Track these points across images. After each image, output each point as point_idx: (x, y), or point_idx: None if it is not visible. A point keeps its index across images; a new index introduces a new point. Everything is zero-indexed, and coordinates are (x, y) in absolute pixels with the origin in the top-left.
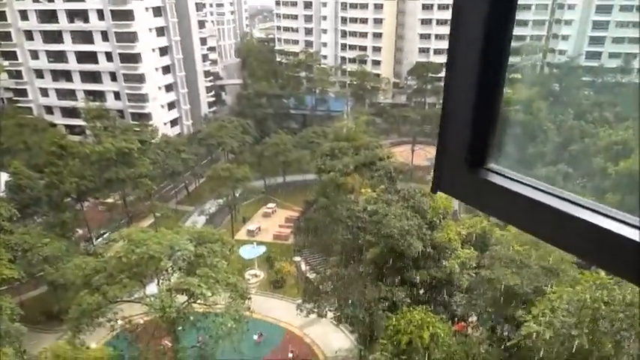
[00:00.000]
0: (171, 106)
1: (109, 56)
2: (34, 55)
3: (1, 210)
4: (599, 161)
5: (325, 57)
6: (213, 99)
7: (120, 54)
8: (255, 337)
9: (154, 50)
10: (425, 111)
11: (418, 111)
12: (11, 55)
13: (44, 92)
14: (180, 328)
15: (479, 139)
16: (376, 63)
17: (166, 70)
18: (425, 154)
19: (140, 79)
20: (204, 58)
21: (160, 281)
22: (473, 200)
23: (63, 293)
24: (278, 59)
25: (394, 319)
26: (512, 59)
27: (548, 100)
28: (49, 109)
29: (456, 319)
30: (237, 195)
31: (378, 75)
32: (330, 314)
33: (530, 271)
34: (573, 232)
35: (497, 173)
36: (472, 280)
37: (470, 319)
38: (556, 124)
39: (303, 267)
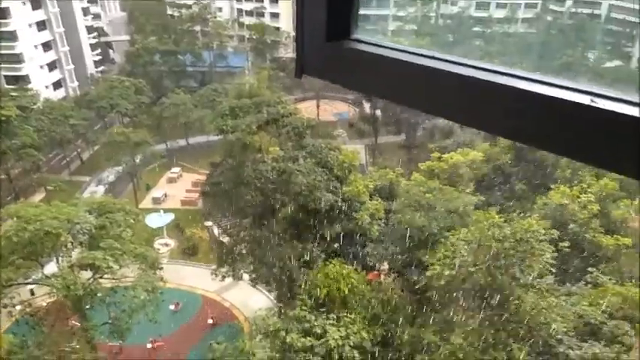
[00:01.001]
0: (52, 66)
1: None
2: None
3: None
4: None
5: (220, 9)
6: (99, 57)
7: None
8: (172, 306)
9: (24, 3)
10: None
11: None
12: None
13: None
14: (87, 305)
15: (338, 8)
16: (275, 16)
17: (41, 25)
18: (331, 110)
19: (12, 36)
20: (85, 11)
21: (60, 258)
22: (342, 77)
23: None
24: (169, 12)
25: (311, 274)
26: (408, 9)
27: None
28: None
29: (369, 268)
30: (138, 161)
31: (277, 28)
32: (246, 276)
33: (436, 213)
34: (447, 88)
35: (363, 42)
36: (382, 229)
37: (382, 268)
38: None
39: (216, 231)
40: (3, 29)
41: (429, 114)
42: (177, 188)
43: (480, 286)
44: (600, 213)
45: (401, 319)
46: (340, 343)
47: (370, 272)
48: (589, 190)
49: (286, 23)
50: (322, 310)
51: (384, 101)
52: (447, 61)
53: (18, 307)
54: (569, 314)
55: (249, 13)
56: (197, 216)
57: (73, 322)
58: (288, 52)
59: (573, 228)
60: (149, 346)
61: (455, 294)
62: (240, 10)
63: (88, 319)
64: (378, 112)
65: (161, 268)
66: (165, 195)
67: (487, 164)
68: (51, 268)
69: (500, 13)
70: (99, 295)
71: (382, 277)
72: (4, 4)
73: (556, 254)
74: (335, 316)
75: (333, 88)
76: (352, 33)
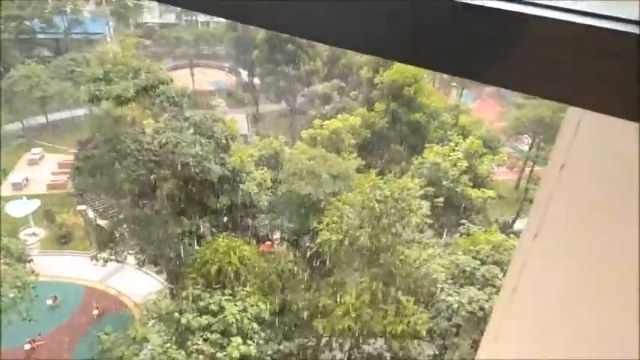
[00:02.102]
0: None
1: None
2: None
3: None
4: None
5: None
6: None
7: None
8: (49, 301)
9: None
10: (198, 30)
11: (191, 30)
12: None
13: None
14: None
15: None
16: None
17: None
18: (206, 78)
19: None
20: None
21: None
22: None
23: None
24: None
25: (200, 251)
26: None
27: None
28: None
29: (261, 239)
30: None
31: None
32: (131, 259)
33: (321, 180)
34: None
35: None
36: (270, 199)
37: (275, 237)
38: None
39: (91, 215)
40: None
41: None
42: (40, 171)
43: (367, 247)
44: (468, 169)
45: (296, 285)
46: (238, 317)
47: (262, 243)
48: (457, 148)
49: None
50: (217, 287)
51: (262, 68)
52: None
53: None
54: (448, 263)
55: None
56: (68, 200)
57: None
58: (154, 17)
59: (446, 184)
60: (27, 346)
61: (344, 257)
62: None
63: None
64: (256, 80)
65: (30, 261)
66: (27, 179)
67: (366, 129)
68: None
69: None
70: None
71: (275, 246)
72: None
73: (431, 210)
74: (230, 291)
75: (206, 55)
76: None
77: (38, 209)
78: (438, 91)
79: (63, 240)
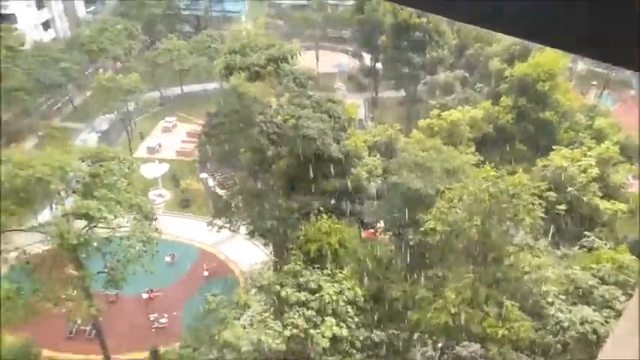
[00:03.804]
0: (39, 4)
1: None
2: None
3: None
4: None
5: None
6: None
7: None
8: (168, 258)
9: None
10: (328, 13)
11: (320, 13)
12: None
13: None
14: (83, 254)
15: None
16: None
17: None
18: (331, 61)
19: None
20: None
21: (54, 206)
22: None
23: None
24: None
25: (304, 229)
26: None
27: None
28: None
29: (365, 226)
30: (131, 109)
31: None
32: (243, 229)
33: (433, 175)
34: None
35: None
36: (379, 186)
37: (378, 225)
38: None
39: (211, 183)
40: None
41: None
42: (172, 138)
43: (474, 242)
44: (599, 177)
45: (394, 275)
46: (334, 298)
47: (366, 230)
48: (589, 153)
49: None
50: (316, 265)
51: (385, 53)
52: None
53: (13, 254)
54: (562, 277)
55: None
56: (192, 167)
57: (69, 270)
58: None
59: (571, 191)
60: (145, 296)
61: (448, 250)
62: None
63: (83, 268)
64: (379, 65)
65: (156, 219)
66: (160, 145)
67: (488, 123)
68: (45, 216)
69: None
70: (94, 244)
71: (377, 234)
72: None
73: (551, 217)
74: (329, 272)
75: (333, 38)
76: None
77: (166, 173)
78: (574, 90)
79: (184, 204)
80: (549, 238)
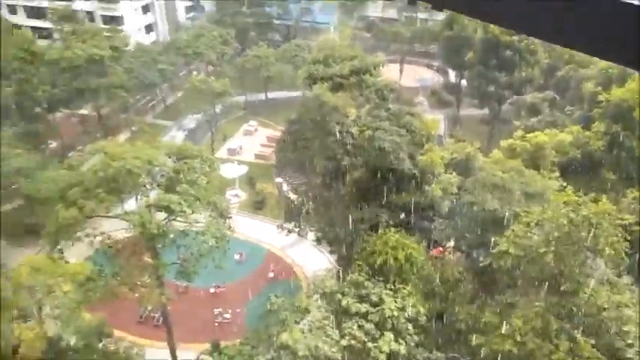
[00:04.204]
0: (145, 9)
1: None
2: None
3: None
4: None
5: None
6: (190, 3)
7: None
8: (237, 256)
9: None
10: (416, 27)
11: (408, 27)
12: None
13: None
14: (160, 245)
15: None
16: None
17: None
18: (414, 75)
19: None
20: None
21: (139, 197)
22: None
23: (39, 207)
24: None
25: (371, 241)
26: None
27: None
28: (13, 9)
29: (434, 243)
30: (218, 111)
31: None
32: (310, 235)
33: (511, 197)
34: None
35: None
36: (453, 205)
37: (448, 244)
38: None
39: (285, 188)
40: None
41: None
42: (252, 141)
43: (549, 269)
44: None
45: (460, 297)
46: (396, 313)
47: (435, 247)
48: None
49: None
50: (380, 278)
51: (472, 70)
52: None
53: (98, 238)
54: None
55: None
56: (269, 171)
57: (146, 258)
58: (376, 11)
59: None
60: (212, 290)
61: (520, 276)
62: None
63: (159, 258)
64: (464, 82)
65: (230, 218)
66: (241, 147)
67: (576, 148)
68: (130, 205)
69: None
70: (171, 236)
71: (447, 253)
72: None
73: (631, 248)
74: (392, 286)
75: (418, 53)
76: None
77: (244, 174)
78: None
79: (258, 205)
80: (633, 275)
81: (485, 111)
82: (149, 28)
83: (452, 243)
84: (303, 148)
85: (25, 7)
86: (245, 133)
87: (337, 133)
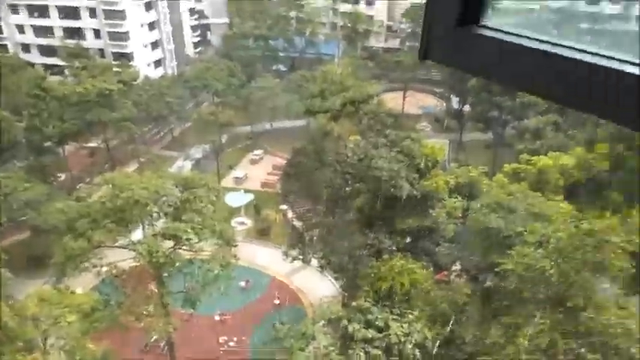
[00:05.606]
0: (154, 46)
1: None
2: None
3: None
4: None
5: None
6: (198, 39)
7: None
8: (242, 283)
9: None
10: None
11: (411, 56)
12: None
13: (20, 29)
14: (166, 273)
15: None
16: (370, 3)
17: (148, 6)
18: (416, 102)
19: (121, 15)
20: None
21: (146, 227)
22: (466, 62)
23: (47, 238)
24: None
25: (376, 266)
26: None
27: None
28: (26, 47)
29: (439, 267)
30: (224, 141)
31: (371, 17)
32: (315, 261)
33: (516, 217)
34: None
35: (490, 28)
36: (458, 229)
37: (454, 268)
38: None
39: (290, 215)
40: (113, 8)
41: (551, 101)
42: (258, 170)
43: (553, 287)
44: None
45: (466, 319)
46: (402, 339)
47: (441, 271)
48: None
49: (381, 12)
50: (386, 303)
51: (475, 97)
52: (572, 48)
53: (105, 269)
54: None
55: (345, 0)
56: (274, 199)
57: (152, 287)
58: (379, 42)
59: None
60: (217, 318)
61: (526, 295)
62: None
63: (165, 286)
64: (467, 108)
65: (236, 246)
66: (246, 176)
67: (580, 171)
68: (137, 234)
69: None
70: (177, 264)
71: (453, 277)
72: None
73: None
74: (398, 311)
75: (421, 79)
76: (481, 20)
77: (250, 202)
78: None
79: (263, 232)
80: None
81: (489, 135)
82: (158, 63)
83: (457, 266)
84: (307, 176)
85: (38, 45)
86: (251, 161)
87: (336, 162)
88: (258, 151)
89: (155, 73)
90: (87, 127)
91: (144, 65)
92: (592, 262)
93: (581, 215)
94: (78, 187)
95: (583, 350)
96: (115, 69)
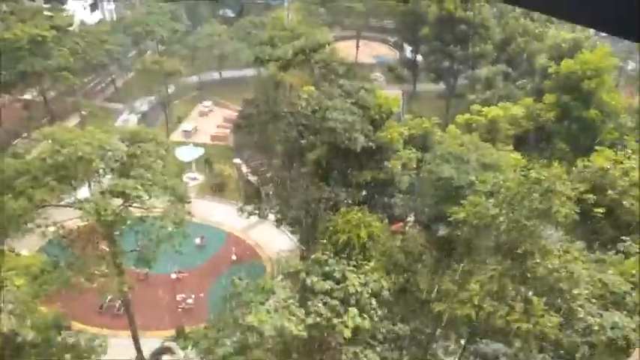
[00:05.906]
0: None
1: None
2: None
3: None
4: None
5: None
6: None
7: None
8: (197, 240)
9: None
10: (371, 2)
11: (364, 2)
12: None
13: None
14: (117, 232)
15: None
16: None
17: None
18: (370, 51)
19: None
20: None
21: (92, 184)
22: None
23: None
24: None
25: (333, 220)
26: None
27: None
28: None
29: (395, 219)
30: (170, 92)
31: None
32: (271, 216)
33: (468, 167)
34: None
35: None
36: (412, 180)
37: (409, 218)
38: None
39: (244, 169)
40: None
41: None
42: (207, 122)
43: (503, 235)
44: None
45: (421, 269)
46: (359, 289)
47: (396, 222)
48: (633, 156)
49: None
50: (343, 255)
51: (428, 46)
52: None
53: (51, 229)
54: (595, 280)
55: None
56: (226, 152)
57: (103, 247)
58: None
59: (611, 194)
60: (173, 276)
61: (477, 243)
62: None
63: (116, 245)
64: (419, 58)
65: (189, 202)
66: (196, 129)
67: (528, 121)
68: (83, 192)
69: None
70: (128, 222)
71: (407, 228)
72: None
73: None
74: (355, 263)
75: (374, 28)
76: None
77: (201, 157)
78: (622, 90)
79: (217, 188)
80: (585, 242)
81: (442, 86)
82: (94, 7)
83: (413, 217)
84: (260, 129)
85: None
86: (200, 114)
87: (289, 114)
88: (208, 103)
89: (92, 19)
90: (20, 77)
91: (79, 8)
92: (539, 209)
93: (529, 165)
94: (14, 142)
95: (530, 294)
96: (46, 12)
